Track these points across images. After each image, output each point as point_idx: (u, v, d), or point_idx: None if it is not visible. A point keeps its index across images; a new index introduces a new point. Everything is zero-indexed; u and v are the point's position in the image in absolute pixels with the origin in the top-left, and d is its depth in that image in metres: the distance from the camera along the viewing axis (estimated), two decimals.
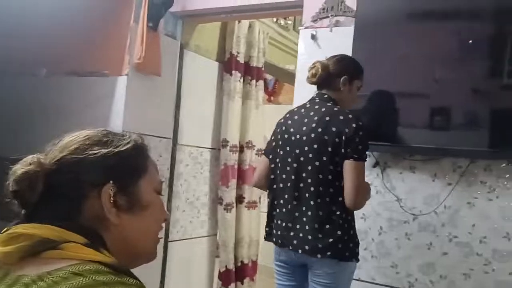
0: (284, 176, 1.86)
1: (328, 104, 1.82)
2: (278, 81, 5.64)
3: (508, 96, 1.93)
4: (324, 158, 1.74)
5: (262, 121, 3.65)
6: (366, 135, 1.74)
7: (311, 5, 2.54)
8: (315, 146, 1.76)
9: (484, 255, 2.03)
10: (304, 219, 1.79)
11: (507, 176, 2.01)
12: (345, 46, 2.29)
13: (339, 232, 1.73)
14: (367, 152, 1.76)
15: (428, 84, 2.08)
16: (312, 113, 1.82)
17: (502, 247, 2.00)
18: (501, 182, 2.02)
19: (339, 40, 2.40)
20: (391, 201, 2.24)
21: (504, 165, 2.02)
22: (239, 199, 3.48)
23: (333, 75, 1.85)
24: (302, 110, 1.88)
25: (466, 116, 2.03)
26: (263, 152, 2.07)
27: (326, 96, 1.85)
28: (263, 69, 3.66)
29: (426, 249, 2.16)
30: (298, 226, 1.81)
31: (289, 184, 1.83)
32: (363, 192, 1.77)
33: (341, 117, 1.73)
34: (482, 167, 2.06)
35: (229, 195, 3.32)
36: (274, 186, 1.90)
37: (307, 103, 1.89)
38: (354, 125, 1.70)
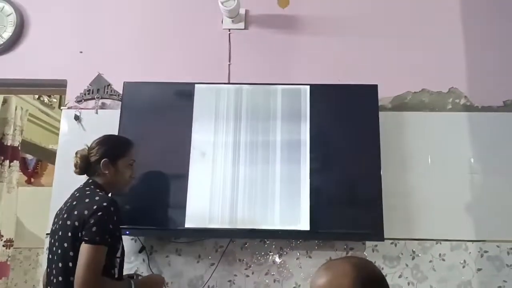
0: (47, 269, 1.71)
1: (87, 188, 1.72)
2: (40, 161, 5.16)
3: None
4: (65, 245, 1.60)
5: (15, 206, 3.22)
6: (107, 217, 1.60)
7: (75, 86, 2.47)
8: (60, 233, 1.64)
9: None
10: None
11: (262, 252, 2.22)
12: (111, 129, 2.26)
13: None
14: (107, 236, 1.58)
15: (186, 168, 2.20)
16: (69, 200, 1.72)
17: None
18: (256, 258, 2.21)
19: (105, 122, 2.37)
20: None
21: (257, 242, 2.22)
22: None
23: (94, 162, 1.78)
24: (69, 197, 1.76)
25: (224, 198, 2.18)
26: None
27: (90, 181, 1.77)
28: (19, 148, 3.30)
29: None
30: None
31: (50, 277, 1.67)
32: (94, 281, 1.52)
33: (87, 200, 1.64)
34: (239, 245, 2.23)
35: None
36: (47, 280, 1.72)
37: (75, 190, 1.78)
38: (95, 207, 1.59)
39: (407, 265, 2.17)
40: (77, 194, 1.72)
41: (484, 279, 2.13)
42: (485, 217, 2.20)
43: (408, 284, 2.15)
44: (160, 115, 2.30)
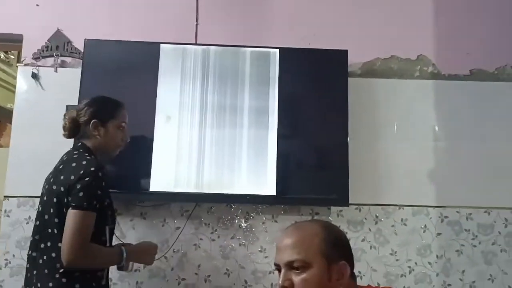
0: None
1: (75, 151, 1.64)
2: None
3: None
4: (51, 210, 1.54)
5: None
6: (95, 182, 1.53)
7: (32, 41, 2.33)
8: (45, 198, 1.58)
9: None
10: (36, 279, 1.55)
11: (228, 216, 2.21)
12: (72, 88, 2.17)
13: None
14: (95, 202, 1.52)
15: (151, 131, 2.14)
16: (58, 164, 1.64)
17: (224, 284, 2.16)
18: (222, 222, 2.21)
19: (65, 82, 2.26)
20: None
21: (224, 206, 2.21)
22: None
23: (83, 124, 1.68)
24: (58, 161, 1.67)
25: (190, 162, 2.15)
26: None
27: (79, 144, 1.68)
28: None
29: None
30: None
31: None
32: (80, 247, 1.47)
33: (74, 164, 1.56)
34: (206, 209, 2.21)
35: None
36: None
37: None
38: (82, 172, 1.52)
39: (370, 230, 2.22)
40: (65, 158, 1.63)
41: (443, 243, 2.21)
42: (446, 183, 2.26)
43: (371, 247, 2.20)
44: (123, 75, 2.21)
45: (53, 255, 1.52)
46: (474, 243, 2.21)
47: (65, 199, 1.51)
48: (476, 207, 2.24)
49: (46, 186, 1.62)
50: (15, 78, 3.71)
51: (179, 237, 2.18)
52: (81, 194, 1.49)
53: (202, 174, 2.11)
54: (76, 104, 2.14)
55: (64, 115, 1.73)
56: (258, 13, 2.42)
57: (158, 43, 2.22)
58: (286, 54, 2.22)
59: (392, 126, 2.31)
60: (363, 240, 2.21)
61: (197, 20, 2.38)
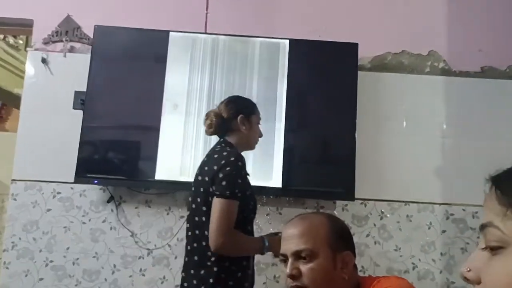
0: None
1: (218, 146, 1.68)
2: (5, 105, 4.96)
3: None
4: (199, 200, 1.60)
5: None
6: (235, 172, 1.56)
7: (42, 26, 2.33)
8: (193, 188, 1.65)
9: None
10: (188, 266, 1.61)
11: None
12: (80, 74, 2.18)
13: (211, 280, 1.55)
14: (237, 191, 1.54)
15: (158, 119, 2.13)
16: (204, 158, 1.70)
17: None
18: None
19: (74, 67, 2.27)
20: (126, 237, 2.18)
21: None
22: None
23: (228, 119, 1.70)
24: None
25: (196, 151, 2.15)
26: None
27: (222, 140, 1.71)
28: None
29: (160, 283, 2.16)
30: (184, 275, 1.63)
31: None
32: (225, 232, 1.51)
33: (216, 156, 1.61)
34: None
35: None
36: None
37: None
38: (223, 162, 1.56)
39: (374, 225, 2.21)
40: (209, 153, 1.69)
41: (447, 240, 2.20)
42: (453, 181, 2.24)
43: (375, 243, 2.20)
44: (132, 62, 2.21)
45: (203, 243, 1.57)
46: None
47: (210, 189, 1.56)
48: (483, 206, 2.21)
49: (195, 179, 1.67)
50: (22, 63, 3.74)
51: (183, 226, 2.18)
52: (223, 183, 1.53)
53: None
54: (85, 90, 2.16)
55: (208, 113, 1.73)
56: (269, 3, 2.40)
57: (168, 31, 2.21)
58: (296, 46, 2.21)
59: (400, 122, 2.29)
60: (367, 235, 2.20)
61: (207, 9, 2.37)
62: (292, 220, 1.17)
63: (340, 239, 1.11)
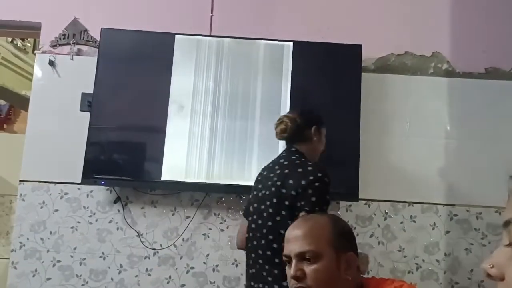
0: (251, 234, 1.66)
1: (293, 157, 1.67)
2: (14, 107, 5.01)
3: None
4: (283, 213, 1.58)
5: None
6: (324, 188, 1.56)
7: (50, 29, 2.36)
8: (274, 200, 1.61)
9: (216, 282, 2.18)
10: (269, 279, 1.57)
11: (237, 207, 2.23)
12: (87, 76, 2.21)
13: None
14: (325, 207, 1.55)
15: (164, 121, 2.16)
16: (276, 167, 1.67)
17: (232, 273, 2.19)
18: (231, 212, 2.23)
19: (81, 70, 2.30)
20: (132, 237, 2.20)
21: (233, 197, 2.24)
22: None
23: (301, 126, 1.70)
24: (271, 165, 1.71)
25: (201, 152, 2.17)
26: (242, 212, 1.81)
27: (293, 149, 1.70)
28: None
29: (165, 283, 2.18)
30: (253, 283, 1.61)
31: (255, 242, 1.64)
32: None
33: (300, 170, 1.60)
34: (215, 199, 2.24)
35: None
36: (249, 245, 1.69)
37: (276, 158, 1.73)
38: (311, 177, 1.56)
39: (378, 225, 2.22)
40: (285, 162, 1.66)
41: (451, 241, 2.21)
42: (457, 182, 2.25)
43: (379, 243, 2.21)
44: (138, 65, 2.24)
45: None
46: (484, 243, 2.21)
47: (298, 203, 1.54)
48: (487, 207, 2.23)
49: (272, 189, 1.62)
50: (30, 65, 3.78)
51: (189, 226, 2.21)
52: (313, 199, 1.53)
53: (213, 164, 2.14)
54: (91, 92, 2.19)
55: (283, 117, 1.73)
56: (273, 6, 2.42)
57: (173, 34, 2.24)
58: (300, 48, 2.23)
59: (404, 123, 2.30)
60: (371, 236, 2.21)
61: (212, 12, 2.39)
62: (295, 221, 1.18)
63: (343, 240, 1.12)
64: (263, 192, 1.66)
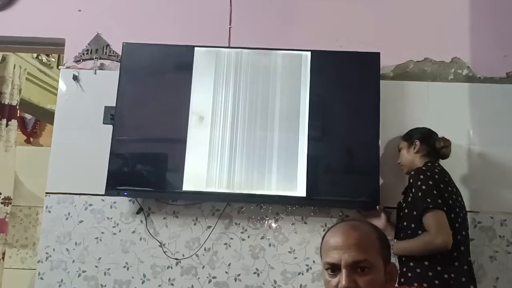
0: (459, 225, 1.88)
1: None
2: (39, 121, 5.14)
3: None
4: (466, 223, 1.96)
5: (13, 165, 3.24)
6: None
7: (74, 45, 2.43)
8: (463, 203, 1.97)
9: None
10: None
11: (258, 217, 2.24)
12: (110, 90, 2.27)
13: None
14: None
15: (185, 132, 2.19)
16: (447, 175, 1.99)
17: (253, 283, 2.19)
18: (252, 222, 2.24)
19: (104, 84, 2.36)
20: (154, 247, 2.23)
21: (254, 206, 2.25)
22: None
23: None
24: (443, 172, 1.99)
25: (222, 162, 2.19)
26: (433, 206, 1.82)
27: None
28: (18, 107, 3.29)
29: None
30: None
31: (464, 233, 1.89)
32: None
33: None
34: (236, 209, 2.25)
35: None
36: (458, 237, 1.85)
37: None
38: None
39: None
40: (448, 174, 1.97)
41: (475, 248, 2.16)
42: (480, 188, 2.22)
43: None
44: (159, 77, 2.28)
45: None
46: (509, 250, 2.16)
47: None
48: (511, 213, 2.19)
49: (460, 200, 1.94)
50: (55, 80, 3.88)
51: (210, 236, 2.23)
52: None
53: (234, 174, 2.16)
54: (114, 105, 2.24)
55: (446, 140, 2.06)
56: (290, 16, 2.44)
57: (193, 46, 2.28)
58: (318, 57, 2.24)
59: None
60: None
61: (230, 24, 2.43)
62: (338, 228, 1.11)
63: (387, 249, 1.08)
64: (456, 197, 1.94)
